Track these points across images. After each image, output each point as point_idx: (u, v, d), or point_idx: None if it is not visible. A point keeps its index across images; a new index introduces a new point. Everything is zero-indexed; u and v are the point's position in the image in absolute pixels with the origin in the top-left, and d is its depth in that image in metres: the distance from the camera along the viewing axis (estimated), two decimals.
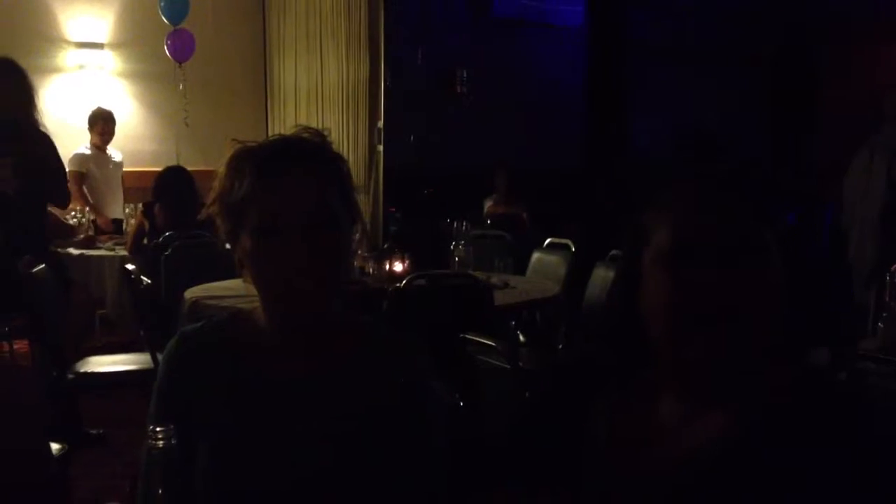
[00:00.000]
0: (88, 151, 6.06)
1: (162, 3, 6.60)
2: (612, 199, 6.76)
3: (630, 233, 1.17)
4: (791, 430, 1.04)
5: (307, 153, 1.36)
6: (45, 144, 4.39)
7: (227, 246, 1.41)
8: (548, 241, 4.99)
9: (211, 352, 1.39)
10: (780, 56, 7.56)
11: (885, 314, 2.66)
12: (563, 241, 4.90)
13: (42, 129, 4.38)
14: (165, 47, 6.68)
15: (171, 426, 1.10)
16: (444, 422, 1.43)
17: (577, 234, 5.05)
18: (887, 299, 2.76)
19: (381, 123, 6.78)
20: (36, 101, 4.36)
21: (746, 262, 1.06)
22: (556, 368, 1.37)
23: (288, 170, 1.32)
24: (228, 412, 1.34)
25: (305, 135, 1.38)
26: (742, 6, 7.43)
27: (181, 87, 6.82)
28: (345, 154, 1.42)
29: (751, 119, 7.82)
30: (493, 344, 2.35)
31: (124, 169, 6.46)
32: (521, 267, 4.96)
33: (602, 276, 4.43)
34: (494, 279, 4.15)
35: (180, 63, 6.76)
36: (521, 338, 4.33)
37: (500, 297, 3.75)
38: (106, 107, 6.31)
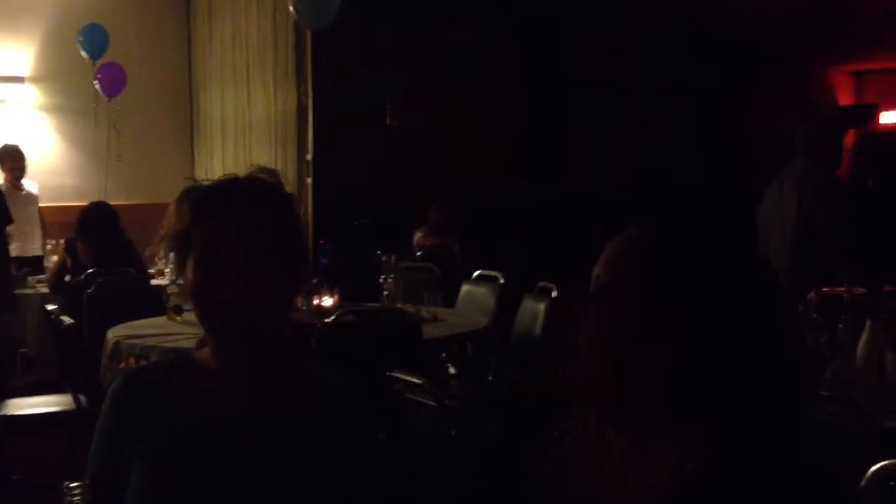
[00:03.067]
0: None
1: (80, 38, 6.52)
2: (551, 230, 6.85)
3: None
4: (726, 482, 1.02)
5: (256, 190, 1.40)
6: None
7: (167, 281, 1.43)
8: (477, 272, 5.03)
9: (154, 392, 1.40)
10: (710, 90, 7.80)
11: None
12: (492, 272, 4.94)
13: None
14: (96, 81, 6.59)
15: (87, 482, 1.09)
16: (383, 467, 1.45)
17: (506, 265, 5.10)
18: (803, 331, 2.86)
19: (309, 156, 6.76)
20: None
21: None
22: (495, 407, 1.37)
23: (234, 204, 1.36)
24: (170, 451, 1.35)
25: (259, 174, 1.42)
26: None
27: (107, 121, 6.74)
28: None
29: (683, 151, 8.02)
30: (419, 381, 2.36)
31: (47, 204, 6.33)
32: (451, 299, 4.99)
33: (531, 307, 4.49)
34: (423, 312, 4.17)
35: (110, 97, 6.67)
36: (452, 370, 4.35)
37: (430, 331, 3.78)
38: (18, 142, 6.20)
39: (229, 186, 1.40)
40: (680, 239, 1.11)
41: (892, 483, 1.66)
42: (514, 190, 7.41)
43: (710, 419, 1.06)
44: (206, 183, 1.43)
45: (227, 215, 1.34)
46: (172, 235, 1.39)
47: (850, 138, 9.02)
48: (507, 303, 4.68)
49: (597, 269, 1.11)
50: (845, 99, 9.95)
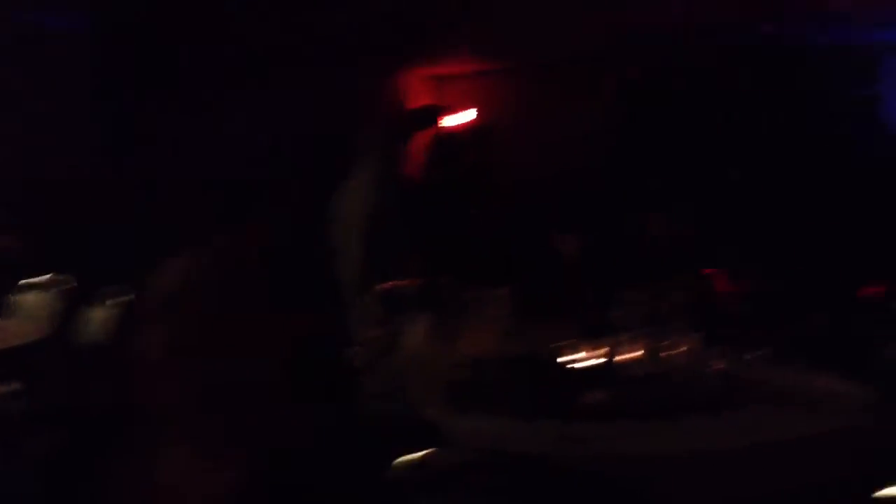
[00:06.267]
0: None
1: None
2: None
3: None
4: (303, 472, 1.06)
5: None
6: None
7: None
8: (34, 278, 4.58)
9: None
10: None
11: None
12: (55, 276, 4.54)
13: None
14: None
15: None
16: None
17: (74, 266, 4.72)
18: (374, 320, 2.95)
19: None
20: None
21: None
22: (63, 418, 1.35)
23: None
24: None
25: None
26: None
27: None
28: None
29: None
30: None
31: None
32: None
33: (95, 314, 4.18)
34: None
35: None
36: (14, 386, 3.97)
37: None
38: None
39: None
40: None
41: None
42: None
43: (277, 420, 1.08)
44: None
45: None
46: None
47: (425, 138, 9.66)
48: (72, 309, 4.34)
49: (166, 284, 1.09)
50: (424, 102, 10.64)
